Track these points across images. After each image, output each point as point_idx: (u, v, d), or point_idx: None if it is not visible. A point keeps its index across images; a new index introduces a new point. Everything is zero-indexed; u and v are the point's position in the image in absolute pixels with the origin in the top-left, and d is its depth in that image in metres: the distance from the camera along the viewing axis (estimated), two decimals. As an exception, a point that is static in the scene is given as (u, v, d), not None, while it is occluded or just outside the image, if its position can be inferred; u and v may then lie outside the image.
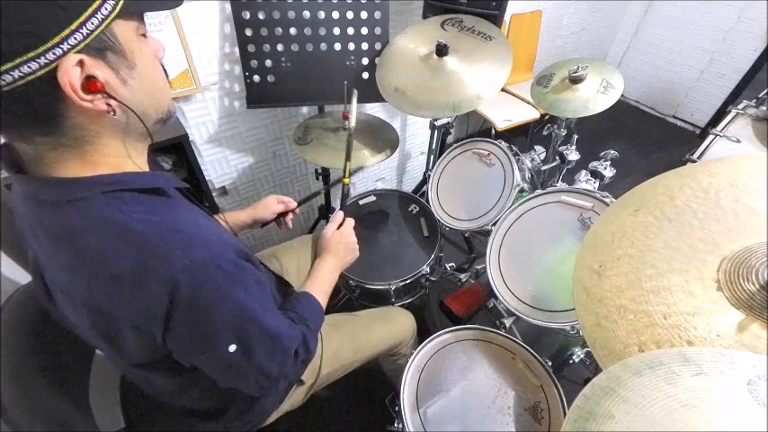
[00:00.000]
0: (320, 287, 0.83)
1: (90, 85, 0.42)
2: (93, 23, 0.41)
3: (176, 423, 0.77)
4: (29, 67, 0.38)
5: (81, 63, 0.41)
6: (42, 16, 0.38)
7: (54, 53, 0.39)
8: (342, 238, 0.93)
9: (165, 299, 0.47)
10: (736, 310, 0.46)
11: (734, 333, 0.45)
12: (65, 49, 0.40)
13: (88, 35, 0.41)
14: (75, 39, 0.40)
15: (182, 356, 0.56)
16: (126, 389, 0.87)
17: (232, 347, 0.54)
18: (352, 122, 1.04)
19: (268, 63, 1.18)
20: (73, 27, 0.40)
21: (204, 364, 0.58)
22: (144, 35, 0.49)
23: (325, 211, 1.69)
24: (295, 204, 1.00)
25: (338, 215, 0.97)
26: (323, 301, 0.82)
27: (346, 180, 1.02)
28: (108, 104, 0.45)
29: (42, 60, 0.39)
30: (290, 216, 1.01)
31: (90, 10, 0.41)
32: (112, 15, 0.43)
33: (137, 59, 0.47)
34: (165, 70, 0.55)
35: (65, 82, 0.40)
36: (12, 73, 0.38)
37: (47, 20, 0.38)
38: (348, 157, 1.02)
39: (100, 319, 0.51)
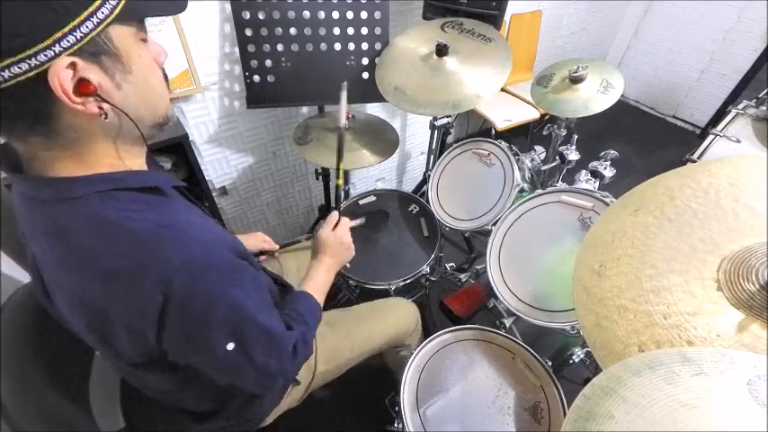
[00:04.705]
0: (317, 286, 0.83)
1: (82, 87, 0.42)
2: (87, 27, 0.41)
3: (176, 423, 0.77)
4: (19, 68, 0.39)
5: (73, 65, 0.41)
6: (34, 19, 0.38)
7: (45, 55, 0.39)
8: (336, 238, 0.93)
9: (160, 297, 0.46)
10: (736, 310, 0.46)
11: (734, 333, 0.45)
12: (56, 52, 0.40)
13: (82, 38, 0.41)
14: (68, 41, 0.40)
15: (177, 356, 0.55)
16: (126, 389, 0.88)
17: (230, 346, 0.54)
18: (342, 120, 0.95)
19: (268, 63, 1.18)
20: (66, 30, 0.40)
21: (201, 364, 0.57)
22: (144, 40, 0.49)
23: (325, 211, 1.69)
24: (277, 248, 1.07)
25: (333, 216, 0.97)
26: (320, 299, 0.82)
27: (339, 181, 1.00)
28: (100, 108, 0.45)
29: (33, 62, 0.39)
30: (264, 258, 1.07)
31: (85, 14, 0.41)
32: (109, 20, 0.43)
33: (133, 64, 0.47)
34: (165, 75, 0.55)
35: (55, 84, 0.40)
36: (2, 73, 0.38)
37: (38, 22, 0.38)
38: (340, 157, 0.95)
39: (94, 317, 0.51)
